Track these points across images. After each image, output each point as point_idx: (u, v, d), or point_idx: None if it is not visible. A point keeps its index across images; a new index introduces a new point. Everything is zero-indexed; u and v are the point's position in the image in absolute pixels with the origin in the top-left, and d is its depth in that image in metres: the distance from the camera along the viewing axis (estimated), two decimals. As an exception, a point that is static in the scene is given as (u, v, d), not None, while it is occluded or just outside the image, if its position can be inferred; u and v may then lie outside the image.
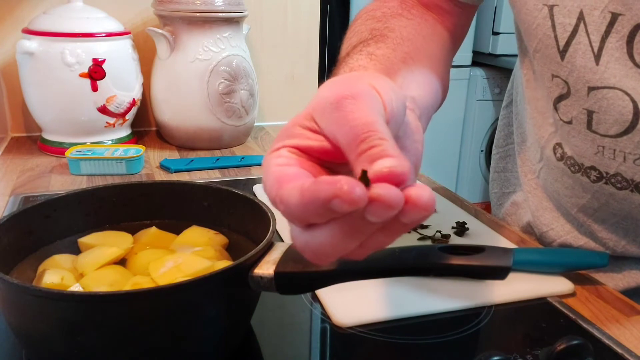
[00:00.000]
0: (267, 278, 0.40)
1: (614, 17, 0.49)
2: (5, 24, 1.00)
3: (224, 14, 0.95)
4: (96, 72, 0.90)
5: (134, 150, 0.87)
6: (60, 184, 0.82)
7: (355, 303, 0.51)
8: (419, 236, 0.65)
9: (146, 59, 1.02)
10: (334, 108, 0.30)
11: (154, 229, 0.53)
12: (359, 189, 0.25)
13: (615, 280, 0.65)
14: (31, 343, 0.41)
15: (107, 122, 0.95)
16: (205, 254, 0.49)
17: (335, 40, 2.18)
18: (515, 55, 0.70)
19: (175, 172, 0.88)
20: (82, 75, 0.89)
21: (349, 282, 0.42)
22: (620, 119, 0.52)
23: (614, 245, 0.63)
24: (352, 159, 0.28)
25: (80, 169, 0.85)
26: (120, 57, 0.94)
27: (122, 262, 0.49)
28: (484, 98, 2.52)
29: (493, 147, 0.83)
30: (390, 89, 0.32)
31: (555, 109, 0.59)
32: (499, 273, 0.40)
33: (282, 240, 0.61)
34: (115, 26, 0.95)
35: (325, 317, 0.50)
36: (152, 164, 0.92)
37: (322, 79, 1.31)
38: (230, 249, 0.52)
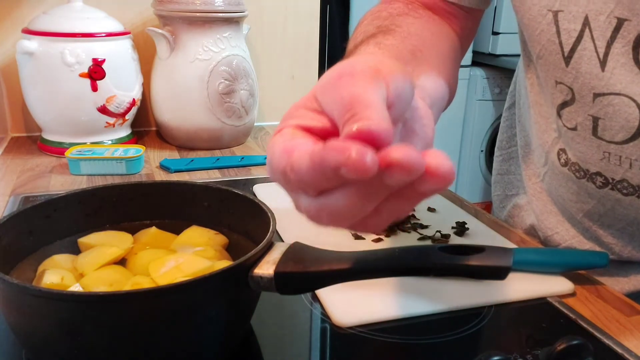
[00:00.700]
0: (267, 278, 0.40)
1: (620, 23, 0.49)
2: (5, 24, 1.00)
3: (224, 14, 0.95)
4: (96, 72, 0.90)
5: (134, 150, 0.87)
6: (60, 184, 0.82)
7: (355, 303, 0.51)
8: (419, 236, 0.65)
9: (146, 59, 1.02)
10: (332, 86, 0.30)
11: (154, 229, 0.53)
12: (370, 156, 0.24)
13: (621, 284, 0.65)
14: (31, 343, 0.41)
15: (107, 122, 0.95)
16: (205, 254, 0.49)
17: (335, 40, 2.18)
18: (516, 55, 0.70)
19: (175, 172, 0.88)
20: (82, 75, 0.89)
21: (349, 282, 0.42)
22: (626, 126, 0.52)
23: (619, 251, 0.63)
24: (341, 131, 0.28)
25: (80, 169, 0.85)
26: (120, 57, 0.94)
27: (122, 262, 0.49)
28: (484, 98, 2.52)
29: (495, 149, 0.83)
30: (395, 68, 0.31)
31: (559, 115, 0.58)
32: (499, 273, 0.40)
33: (282, 240, 0.61)
34: (115, 26, 0.95)
35: (325, 317, 0.50)
36: (152, 164, 0.92)
37: (322, 79, 1.31)
38: (230, 249, 0.52)
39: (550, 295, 0.54)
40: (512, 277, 0.56)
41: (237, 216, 0.52)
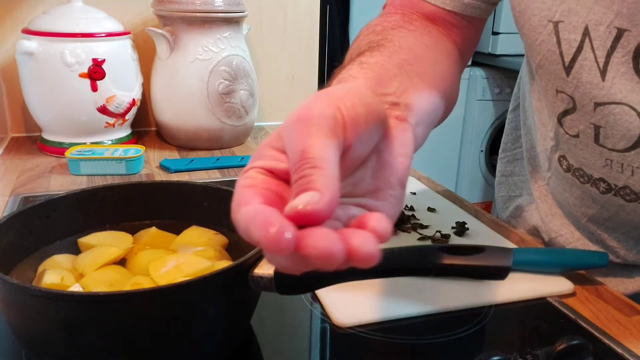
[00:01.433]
0: (267, 278, 0.40)
1: (620, 33, 0.49)
2: (5, 24, 1.00)
3: (223, 14, 0.95)
4: (96, 72, 0.90)
5: (134, 150, 0.87)
6: (60, 184, 0.82)
7: (355, 303, 0.51)
8: (419, 236, 0.65)
9: (146, 59, 1.02)
10: (290, 130, 0.30)
11: (154, 229, 0.53)
12: (288, 234, 0.25)
13: (626, 284, 0.65)
14: (31, 343, 0.41)
15: (107, 122, 0.95)
16: (205, 254, 0.49)
17: (335, 40, 2.18)
18: (515, 55, 0.70)
19: (175, 172, 0.88)
20: (82, 75, 0.89)
21: (349, 282, 0.42)
22: (627, 134, 0.52)
23: (624, 254, 0.63)
24: (292, 181, 0.28)
25: (80, 169, 0.85)
26: (120, 57, 0.94)
27: (122, 262, 0.49)
28: (484, 98, 2.51)
29: (500, 150, 0.83)
30: (359, 104, 0.31)
31: (560, 123, 0.58)
32: (499, 273, 0.40)
33: (282, 240, 0.61)
34: (115, 26, 0.95)
35: (325, 317, 0.50)
36: (152, 164, 0.92)
37: (322, 79, 1.31)
38: (230, 249, 0.52)
39: (550, 295, 0.54)
40: (512, 277, 0.56)
41: (237, 216, 0.52)
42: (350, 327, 0.48)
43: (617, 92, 0.51)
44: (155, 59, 0.99)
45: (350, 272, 0.41)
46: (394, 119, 0.36)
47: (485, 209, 2.66)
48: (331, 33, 2.15)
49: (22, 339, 0.42)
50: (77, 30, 0.90)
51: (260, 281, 0.40)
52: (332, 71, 0.45)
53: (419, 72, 0.45)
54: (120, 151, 0.87)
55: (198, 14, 0.93)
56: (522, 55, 0.69)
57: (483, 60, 2.49)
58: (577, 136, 0.57)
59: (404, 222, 0.68)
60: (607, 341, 0.48)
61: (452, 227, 0.68)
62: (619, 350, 0.46)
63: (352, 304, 0.51)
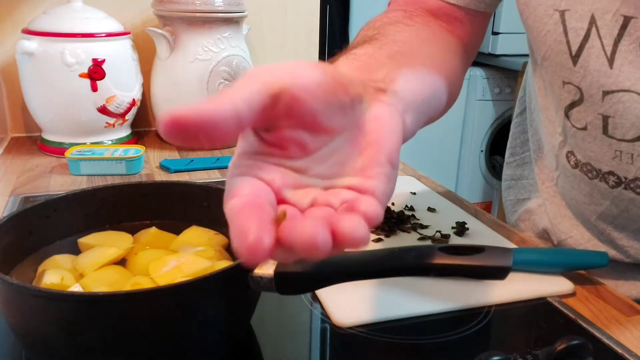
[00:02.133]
0: (267, 278, 0.40)
1: (627, 20, 0.49)
2: (5, 24, 1.00)
3: (223, 14, 0.95)
4: (96, 72, 0.90)
5: (134, 150, 0.87)
6: (60, 184, 0.82)
7: (355, 303, 0.51)
8: (419, 236, 0.65)
9: (146, 59, 1.02)
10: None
11: (154, 229, 0.53)
12: (266, 241, 0.25)
13: (638, 288, 0.64)
14: (31, 343, 0.41)
15: (107, 122, 0.95)
16: (205, 254, 0.49)
17: (335, 40, 2.18)
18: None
19: (175, 172, 0.88)
20: (82, 76, 0.89)
21: (349, 282, 0.42)
22: (637, 123, 0.52)
23: (635, 253, 0.63)
24: None
25: (80, 169, 0.85)
26: (120, 57, 0.94)
27: (122, 262, 0.49)
28: (483, 98, 2.51)
29: (508, 155, 0.82)
30: (316, 69, 0.31)
31: (567, 116, 0.58)
32: (498, 273, 0.40)
33: (282, 240, 0.61)
34: (115, 26, 0.95)
35: (325, 317, 0.50)
36: (152, 164, 0.92)
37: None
38: (230, 249, 0.52)
39: (550, 295, 0.54)
40: (512, 277, 0.56)
41: (237, 216, 0.52)
42: (350, 327, 0.48)
43: (626, 79, 0.51)
44: (155, 59, 0.99)
45: (350, 272, 0.41)
46: (380, 102, 0.35)
47: (485, 209, 2.66)
48: (331, 33, 2.16)
49: (22, 339, 0.42)
50: (77, 30, 0.90)
51: (260, 281, 0.40)
52: None
53: (412, 63, 0.44)
54: (120, 151, 0.87)
55: (198, 14, 0.93)
56: (522, 55, 0.69)
57: (483, 60, 2.48)
58: (584, 129, 0.57)
59: (404, 222, 0.68)
60: (607, 341, 0.48)
61: (452, 227, 0.68)
62: (619, 350, 0.46)
63: (352, 304, 0.51)
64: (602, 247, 0.65)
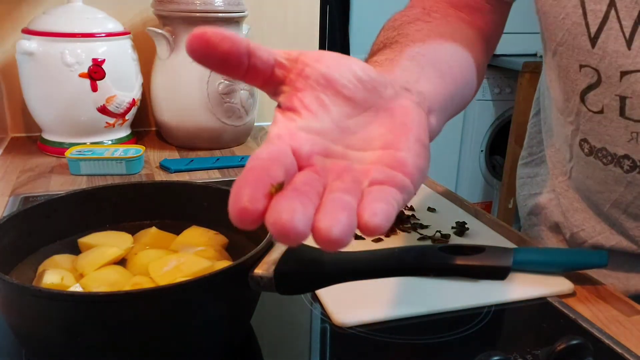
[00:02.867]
0: (267, 278, 0.40)
1: None
2: (5, 24, 1.00)
3: (223, 14, 0.95)
4: (96, 72, 0.90)
5: (134, 150, 0.87)
6: (60, 184, 0.82)
7: (355, 303, 0.51)
8: (419, 236, 0.65)
9: (146, 59, 1.02)
10: None
11: (154, 229, 0.53)
12: (253, 209, 0.25)
13: None
14: (31, 343, 0.41)
15: (107, 122, 0.95)
16: (205, 254, 0.49)
17: (335, 40, 2.18)
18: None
19: (175, 172, 0.88)
20: (82, 76, 0.89)
21: (349, 282, 0.42)
22: None
23: None
24: None
25: (80, 169, 0.85)
26: (120, 57, 0.94)
27: (122, 262, 0.49)
28: (484, 98, 2.51)
29: (524, 155, 0.82)
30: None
31: (583, 101, 0.59)
32: (499, 273, 0.40)
33: (282, 240, 0.61)
34: (114, 26, 0.95)
35: (325, 317, 0.50)
36: (152, 164, 0.92)
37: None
38: (230, 249, 0.52)
39: (550, 295, 0.54)
40: (512, 277, 0.56)
41: (237, 216, 0.52)
42: (351, 327, 0.48)
43: None
44: (155, 59, 0.99)
45: (350, 272, 0.41)
46: (406, 98, 0.36)
47: (485, 208, 2.66)
48: (331, 33, 2.15)
49: (22, 339, 0.42)
50: (77, 30, 0.90)
51: (260, 281, 0.40)
52: None
53: (433, 62, 0.45)
54: (120, 151, 0.87)
55: (198, 14, 0.93)
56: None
57: (483, 60, 2.48)
58: (601, 112, 0.58)
59: (404, 222, 0.68)
60: (607, 341, 0.48)
61: (452, 227, 0.68)
62: (619, 350, 0.46)
63: (352, 304, 0.51)
64: (613, 239, 0.65)
